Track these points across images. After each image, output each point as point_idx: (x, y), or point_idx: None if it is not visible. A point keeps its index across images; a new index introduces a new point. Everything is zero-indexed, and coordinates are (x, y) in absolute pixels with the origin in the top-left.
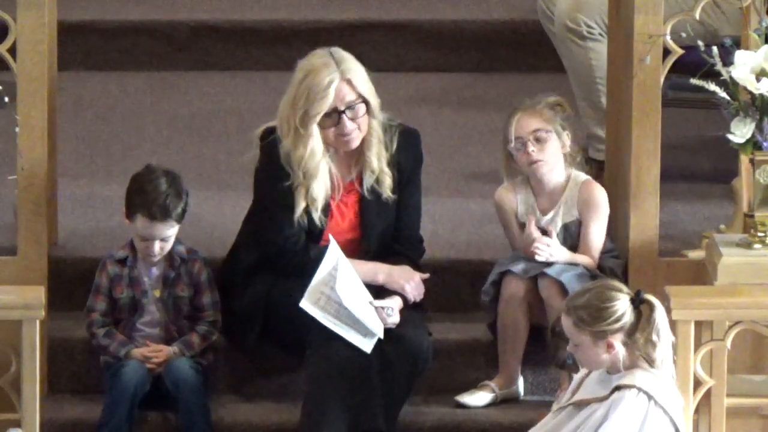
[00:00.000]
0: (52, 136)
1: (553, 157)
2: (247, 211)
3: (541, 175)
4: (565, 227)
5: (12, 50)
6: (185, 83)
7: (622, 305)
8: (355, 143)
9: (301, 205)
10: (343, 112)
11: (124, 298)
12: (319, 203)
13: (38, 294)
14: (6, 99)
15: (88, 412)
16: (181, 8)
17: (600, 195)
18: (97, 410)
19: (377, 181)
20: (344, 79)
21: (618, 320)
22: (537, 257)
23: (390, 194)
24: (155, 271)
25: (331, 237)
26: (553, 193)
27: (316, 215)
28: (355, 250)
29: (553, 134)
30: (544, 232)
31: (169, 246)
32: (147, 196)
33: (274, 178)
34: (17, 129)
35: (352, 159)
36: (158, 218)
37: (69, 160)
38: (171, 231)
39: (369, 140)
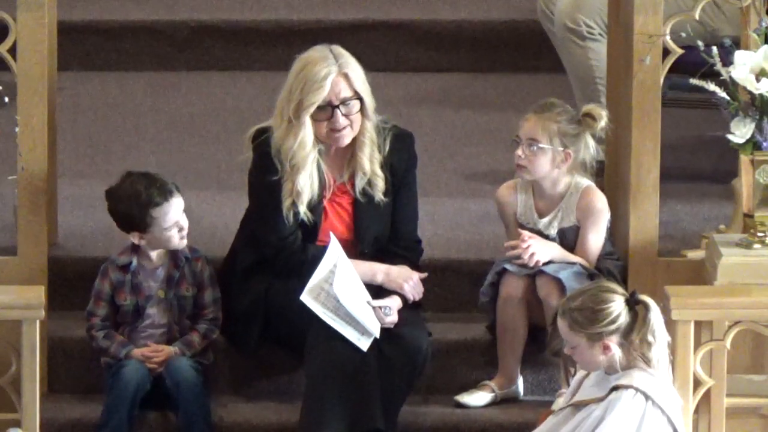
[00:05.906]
0: (52, 136)
1: (539, 170)
2: (244, 214)
3: (527, 179)
4: (562, 232)
5: (12, 50)
6: (185, 83)
7: (617, 307)
8: (347, 140)
9: (288, 199)
10: (337, 107)
11: (127, 304)
12: (305, 197)
13: (38, 294)
14: (6, 99)
15: (88, 412)
16: (181, 8)
17: (599, 202)
18: (97, 410)
19: (369, 183)
20: (341, 73)
21: (613, 322)
22: (508, 253)
23: (382, 197)
24: (160, 272)
25: (332, 235)
26: (552, 198)
27: (302, 209)
28: (351, 251)
29: (548, 151)
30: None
31: (187, 222)
32: (140, 197)
33: (266, 176)
34: (17, 129)
35: (345, 160)
36: (167, 197)
37: (69, 160)
38: (182, 204)
39: (362, 141)
